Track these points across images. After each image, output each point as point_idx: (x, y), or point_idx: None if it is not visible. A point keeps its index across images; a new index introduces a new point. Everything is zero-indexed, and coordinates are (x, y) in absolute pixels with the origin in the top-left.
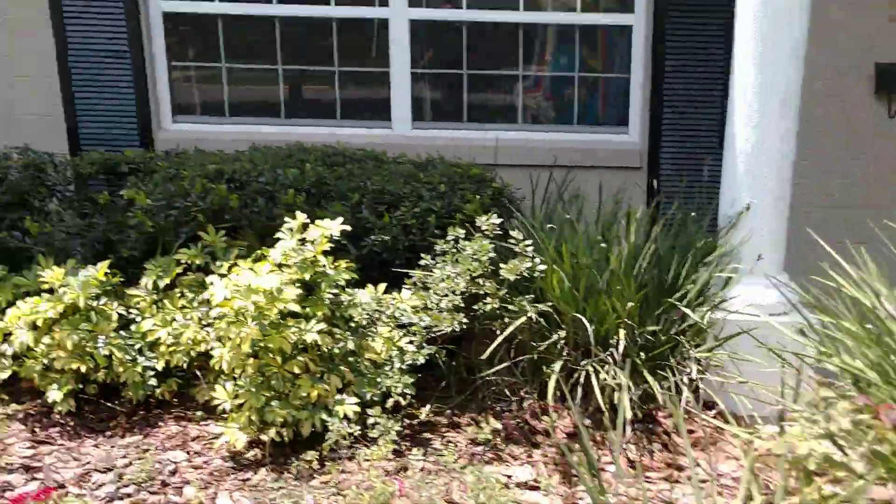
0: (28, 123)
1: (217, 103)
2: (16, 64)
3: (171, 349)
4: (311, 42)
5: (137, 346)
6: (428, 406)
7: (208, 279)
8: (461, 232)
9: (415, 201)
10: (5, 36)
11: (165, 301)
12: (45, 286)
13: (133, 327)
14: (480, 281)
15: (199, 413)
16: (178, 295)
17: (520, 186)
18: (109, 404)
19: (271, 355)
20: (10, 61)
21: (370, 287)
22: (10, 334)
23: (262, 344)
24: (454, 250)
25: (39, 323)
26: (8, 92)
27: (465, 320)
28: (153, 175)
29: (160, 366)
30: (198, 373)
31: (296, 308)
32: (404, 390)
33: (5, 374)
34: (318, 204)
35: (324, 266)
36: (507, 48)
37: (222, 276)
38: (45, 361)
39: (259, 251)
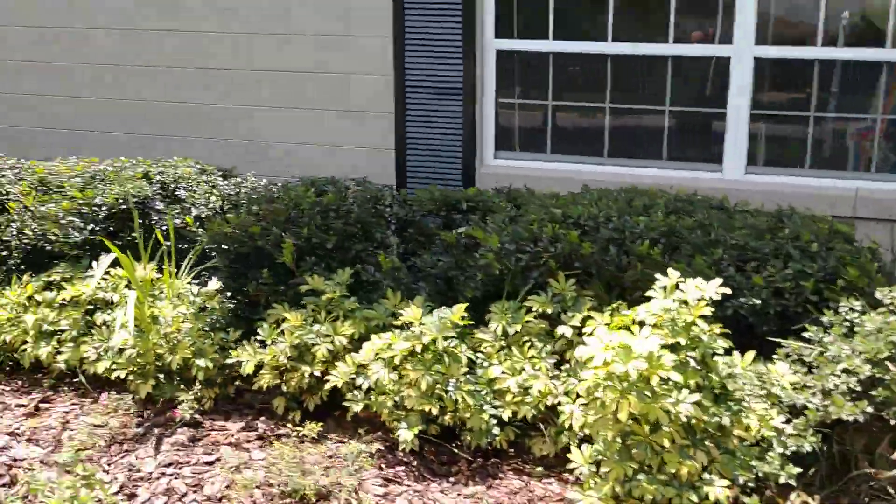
0: (359, 156)
1: (538, 140)
2: (356, 99)
3: (517, 399)
4: (641, 79)
5: (483, 392)
6: (794, 495)
7: (558, 329)
8: (856, 304)
9: (784, 261)
10: (350, 74)
11: (513, 348)
12: (398, 323)
13: (479, 372)
14: (888, 364)
15: (538, 469)
16: (527, 343)
17: (885, 247)
18: (449, 447)
19: (637, 423)
20: (352, 96)
21: (736, 354)
22: (363, 366)
23: (633, 411)
24: (845, 323)
25: (397, 360)
26: (343, 124)
27: (869, 409)
28: (492, 215)
29: (507, 415)
30: (541, 426)
31: (677, 377)
32: (788, 480)
33: (358, 407)
34: (666, 256)
35: (699, 330)
36: (863, 87)
37: (574, 328)
38: (396, 399)
39: (611, 305)
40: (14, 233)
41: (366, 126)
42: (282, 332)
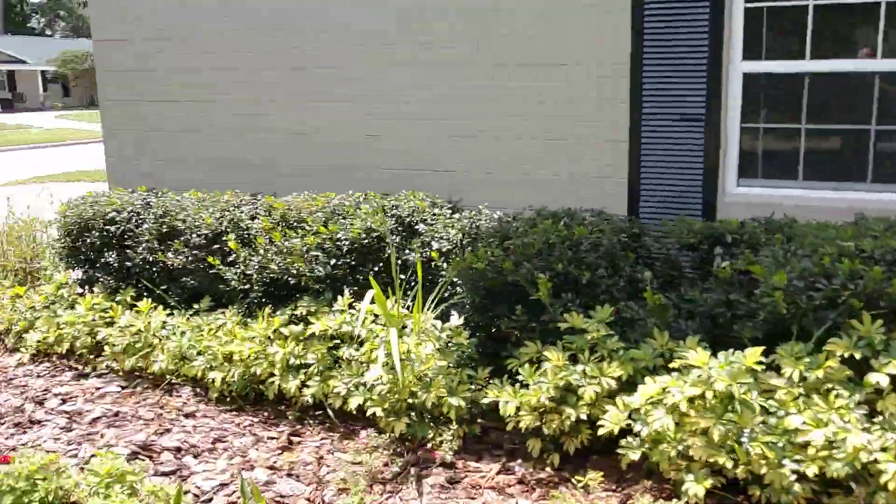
0: (585, 183)
1: (788, 166)
2: (587, 126)
3: (821, 454)
4: None
5: (780, 445)
6: None
7: (869, 377)
8: None
9: None
10: (582, 100)
11: (814, 397)
12: (674, 365)
13: (772, 421)
14: None
15: None
16: (832, 392)
17: None
18: (734, 499)
19: None
20: (583, 123)
21: None
22: (636, 411)
23: None
24: None
25: (683, 406)
26: (571, 151)
27: None
28: (758, 248)
29: (812, 472)
30: (852, 484)
31: None
32: None
33: (636, 456)
34: None
35: None
36: None
37: (890, 376)
38: (679, 448)
39: None
40: (256, 266)
41: (596, 153)
42: (543, 372)
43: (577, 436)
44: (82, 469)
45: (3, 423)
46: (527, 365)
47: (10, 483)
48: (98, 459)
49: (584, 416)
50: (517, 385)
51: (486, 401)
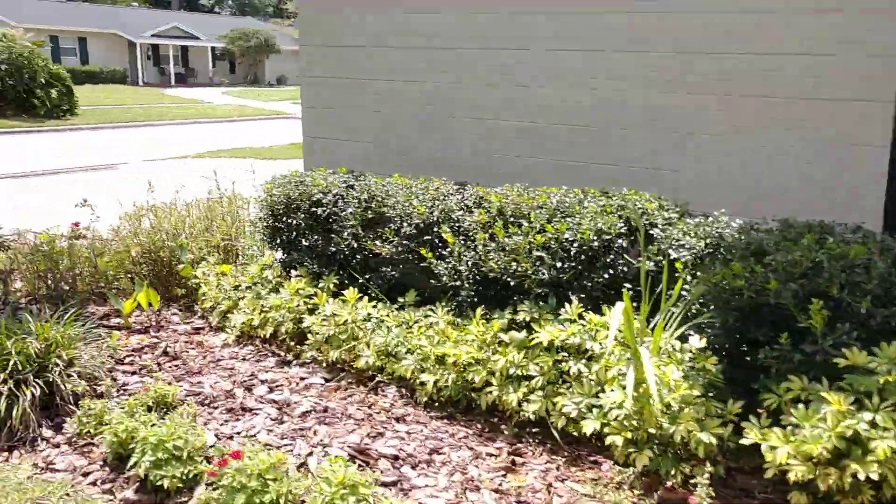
0: (828, 193)
1: None
2: (828, 127)
3: None
4: None
5: None
6: None
7: None
8: None
9: None
10: (832, 95)
11: None
12: None
13: None
14: None
15: None
16: None
17: None
18: None
19: None
20: (822, 124)
21: None
22: None
23: None
24: None
25: None
26: (804, 155)
27: None
28: None
29: None
30: None
31: None
32: None
33: None
34: None
35: None
36: None
37: None
38: None
39: None
40: (469, 263)
41: (843, 157)
42: (823, 417)
43: (857, 496)
44: (300, 468)
45: (216, 408)
46: (801, 406)
47: (243, 480)
48: (315, 459)
49: (874, 476)
50: (788, 427)
51: (745, 442)
